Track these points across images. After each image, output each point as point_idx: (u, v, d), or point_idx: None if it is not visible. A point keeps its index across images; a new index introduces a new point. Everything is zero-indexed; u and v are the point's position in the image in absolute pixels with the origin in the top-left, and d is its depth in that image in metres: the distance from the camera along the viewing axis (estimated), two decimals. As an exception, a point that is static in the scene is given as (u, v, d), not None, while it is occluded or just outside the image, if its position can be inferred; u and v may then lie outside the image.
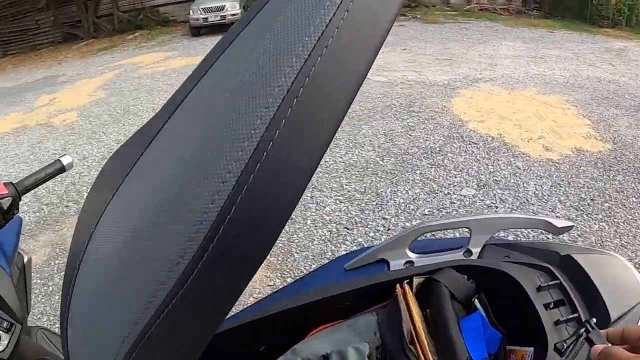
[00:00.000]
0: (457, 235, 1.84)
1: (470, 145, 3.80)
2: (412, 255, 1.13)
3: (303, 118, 0.30)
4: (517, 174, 3.29)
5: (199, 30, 11.80)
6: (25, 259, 1.52)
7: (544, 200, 2.97)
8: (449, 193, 3.13)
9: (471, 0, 11.77)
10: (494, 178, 3.26)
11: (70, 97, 7.61)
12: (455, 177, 3.34)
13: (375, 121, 4.59)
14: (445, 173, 3.41)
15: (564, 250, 1.05)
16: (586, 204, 2.92)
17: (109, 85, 7.76)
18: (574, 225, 1.20)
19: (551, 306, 0.91)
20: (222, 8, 11.29)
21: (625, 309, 0.92)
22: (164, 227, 0.34)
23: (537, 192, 3.06)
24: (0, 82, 10.54)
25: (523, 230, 2.48)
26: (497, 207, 2.93)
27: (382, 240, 1.71)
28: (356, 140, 4.18)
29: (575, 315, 0.88)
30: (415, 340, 0.88)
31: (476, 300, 0.98)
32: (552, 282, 0.95)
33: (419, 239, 1.15)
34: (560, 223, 1.07)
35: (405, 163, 3.63)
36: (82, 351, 0.43)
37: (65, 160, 1.43)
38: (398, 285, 0.98)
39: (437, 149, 3.82)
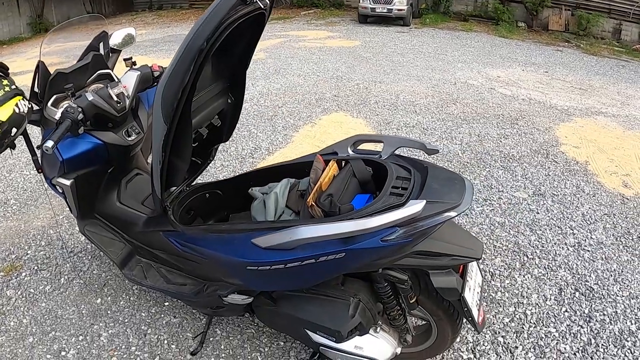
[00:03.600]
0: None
1: (550, 162, 4.07)
2: (350, 152, 1.83)
3: None
4: (578, 195, 3.54)
5: (365, 18, 12.78)
6: None
7: (588, 224, 3.23)
8: (503, 191, 3.54)
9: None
10: (553, 192, 3.56)
11: (235, 53, 9.01)
12: (518, 181, 3.71)
13: (477, 124, 5.01)
14: (510, 176, 3.79)
15: (426, 164, 1.59)
16: None
17: (271, 49, 9.04)
18: (439, 150, 1.69)
19: (399, 187, 1.46)
20: (390, 1, 12.05)
21: (431, 198, 1.36)
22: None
23: (586, 215, 3.29)
24: (181, 29, 12.75)
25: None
26: (539, 207, 3.28)
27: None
28: (451, 134, 4.69)
29: (403, 193, 1.43)
30: (316, 184, 1.58)
31: (377, 193, 1.60)
32: (406, 176, 1.52)
33: (360, 147, 1.85)
34: (430, 146, 1.65)
35: (480, 161, 4.07)
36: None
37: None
38: (320, 156, 1.72)
39: (517, 157, 4.16)
